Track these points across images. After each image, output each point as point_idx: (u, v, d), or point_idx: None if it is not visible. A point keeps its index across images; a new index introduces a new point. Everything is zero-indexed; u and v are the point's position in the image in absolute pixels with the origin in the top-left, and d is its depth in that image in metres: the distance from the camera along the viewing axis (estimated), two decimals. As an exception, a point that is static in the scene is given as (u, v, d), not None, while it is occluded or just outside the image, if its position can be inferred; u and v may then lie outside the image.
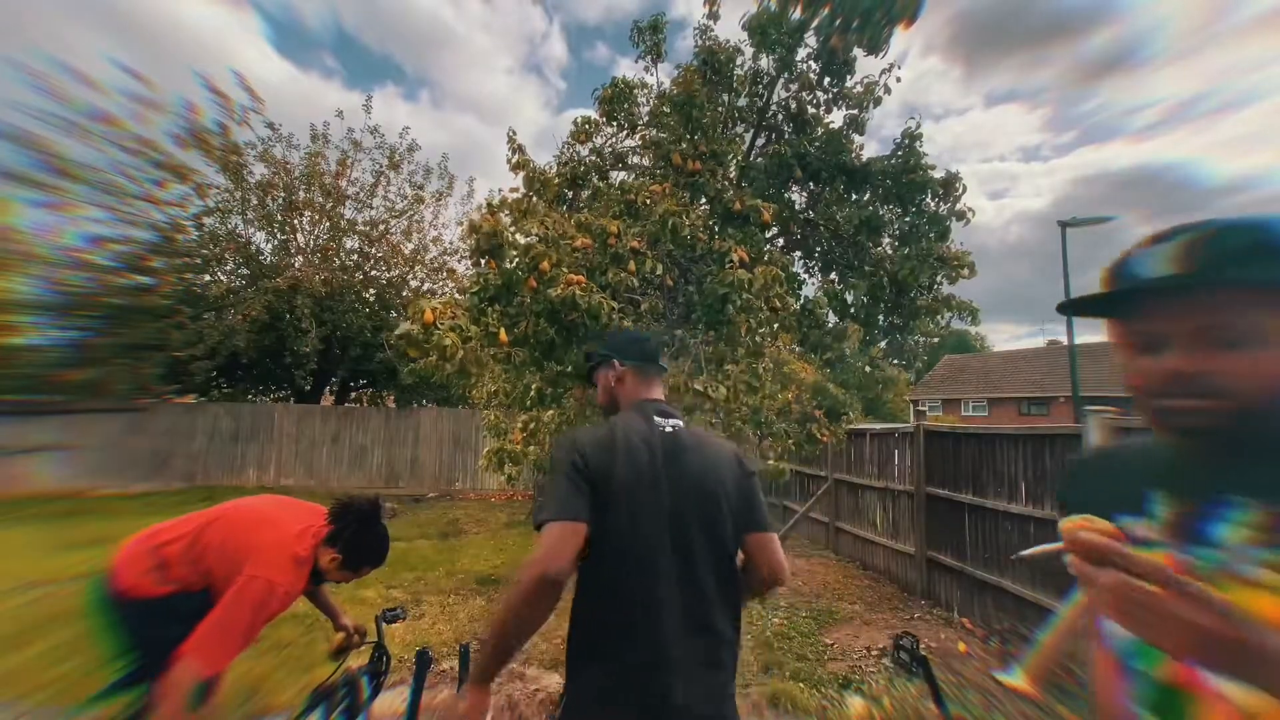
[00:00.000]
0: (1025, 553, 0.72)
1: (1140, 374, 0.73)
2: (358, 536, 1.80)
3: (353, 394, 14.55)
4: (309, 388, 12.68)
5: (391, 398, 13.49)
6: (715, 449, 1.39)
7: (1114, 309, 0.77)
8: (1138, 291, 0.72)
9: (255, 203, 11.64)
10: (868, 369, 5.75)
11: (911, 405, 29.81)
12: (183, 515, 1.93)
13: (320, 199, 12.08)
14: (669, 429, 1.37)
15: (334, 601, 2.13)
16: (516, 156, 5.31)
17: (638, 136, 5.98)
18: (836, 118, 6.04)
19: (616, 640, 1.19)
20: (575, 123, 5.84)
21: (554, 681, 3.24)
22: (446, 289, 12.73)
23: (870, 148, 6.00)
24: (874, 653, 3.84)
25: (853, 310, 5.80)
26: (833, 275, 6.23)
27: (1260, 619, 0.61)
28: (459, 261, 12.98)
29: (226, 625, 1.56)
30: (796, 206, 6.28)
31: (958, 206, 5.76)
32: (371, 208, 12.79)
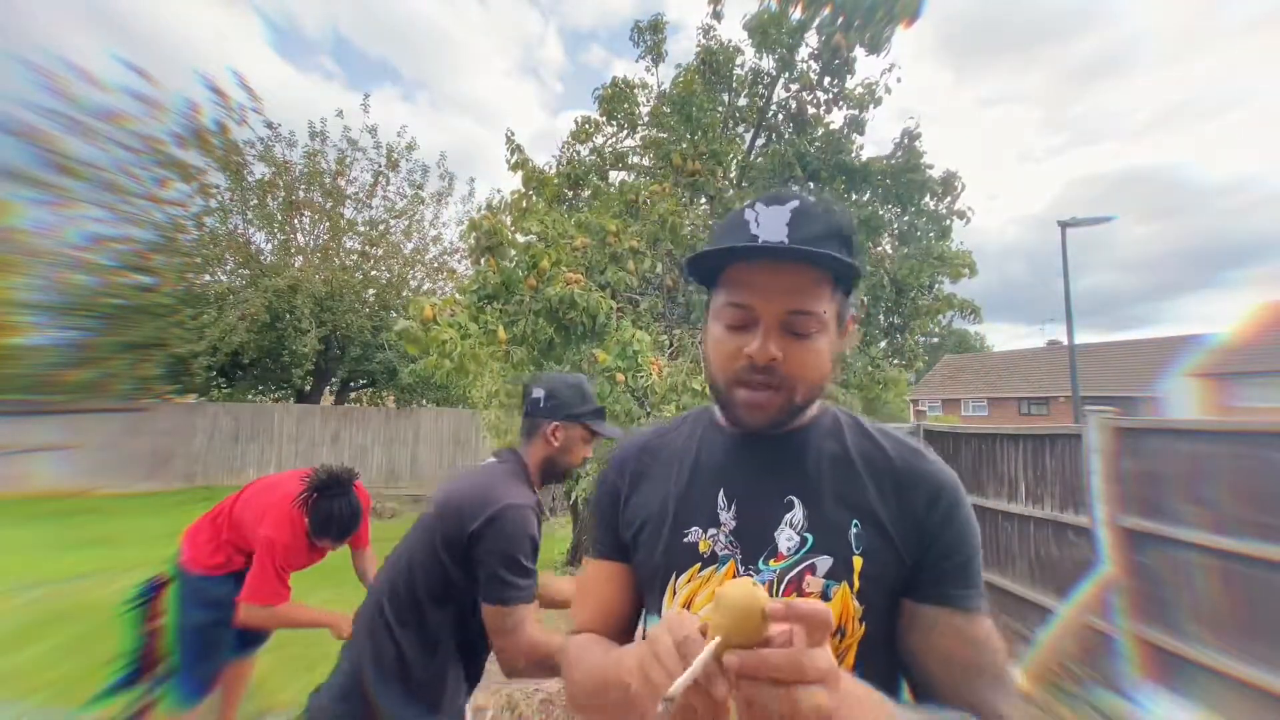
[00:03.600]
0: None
1: (726, 353, 0.66)
2: (315, 506, 1.88)
3: (352, 394, 14.55)
4: (309, 388, 12.67)
5: (391, 398, 13.49)
6: None
7: (729, 268, 0.67)
8: (761, 252, 0.63)
9: (255, 202, 11.64)
10: (870, 369, 5.75)
11: (911, 405, 29.84)
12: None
13: (320, 199, 12.08)
14: None
15: (373, 572, 2.21)
16: (515, 156, 5.31)
17: (638, 136, 5.99)
18: (836, 118, 6.04)
19: None
20: (576, 122, 5.85)
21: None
22: (446, 289, 12.73)
23: (865, 149, 5.98)
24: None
25: (853, 310, 5.81)
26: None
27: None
28: (459, 261, 12.98)
29: (259, 576, 1.84)
30: (796, 206, 6.27)
31: (957, 205, 5.76)
32: (371, 207, 12.79)
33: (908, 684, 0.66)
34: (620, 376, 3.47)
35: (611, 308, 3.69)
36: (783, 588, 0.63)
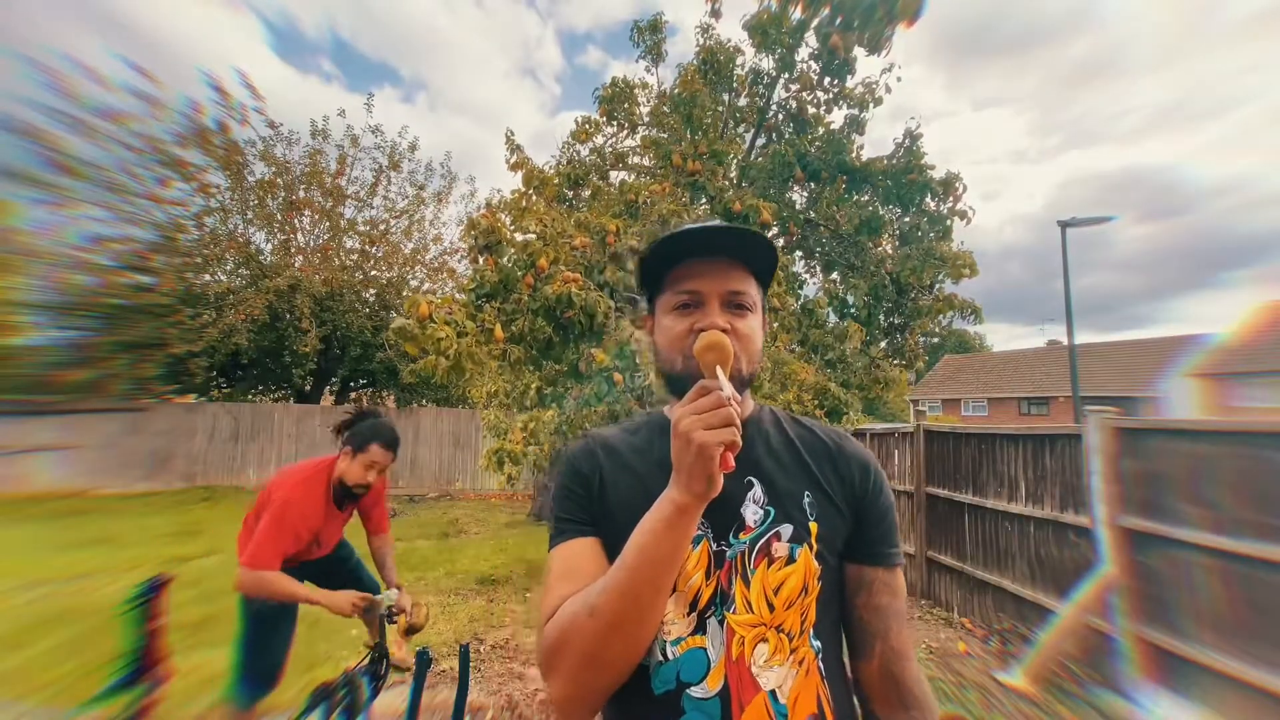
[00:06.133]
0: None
1: (678, 334, 0.75)
2: (357, 422, 2.07)
3: (353, 394, 14.54)
4: (309, 388, 12.67)
5: (391, 398, 13.48)
6: None
7: (682, 256, 0.77)
8: (707, 232, 0.74)
9: (255, 202, 11.64)
10: (870, 369, 5.74)
11: (911, 405, 29.83)
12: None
13: (320, 198, 12.07)
14: None
15: (391, 563, 2.30)
16: (515, 156, 5.31)
17: (638, 136, 5.99)
18: (837, 118, 6.04)
19: None
20: (576, 122, 5.85)
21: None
22: (446, 289, 12.72)
23: (864, 151, 5.97)
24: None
25: (853, 310, 5.80)
26: (833, 275, 6.22)
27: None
28: (459, 261, 12.98)
29: (254, 538, 1.91)
30: (796, 206, 6.27)
31: (958, 206, 5.75)
32: (372, 207, 12.79)
33: (846, 640, 0.77)
34: (619, 377, 3.47)
35: (610, 307, 3.68)
36: (754, 555, 0.71)
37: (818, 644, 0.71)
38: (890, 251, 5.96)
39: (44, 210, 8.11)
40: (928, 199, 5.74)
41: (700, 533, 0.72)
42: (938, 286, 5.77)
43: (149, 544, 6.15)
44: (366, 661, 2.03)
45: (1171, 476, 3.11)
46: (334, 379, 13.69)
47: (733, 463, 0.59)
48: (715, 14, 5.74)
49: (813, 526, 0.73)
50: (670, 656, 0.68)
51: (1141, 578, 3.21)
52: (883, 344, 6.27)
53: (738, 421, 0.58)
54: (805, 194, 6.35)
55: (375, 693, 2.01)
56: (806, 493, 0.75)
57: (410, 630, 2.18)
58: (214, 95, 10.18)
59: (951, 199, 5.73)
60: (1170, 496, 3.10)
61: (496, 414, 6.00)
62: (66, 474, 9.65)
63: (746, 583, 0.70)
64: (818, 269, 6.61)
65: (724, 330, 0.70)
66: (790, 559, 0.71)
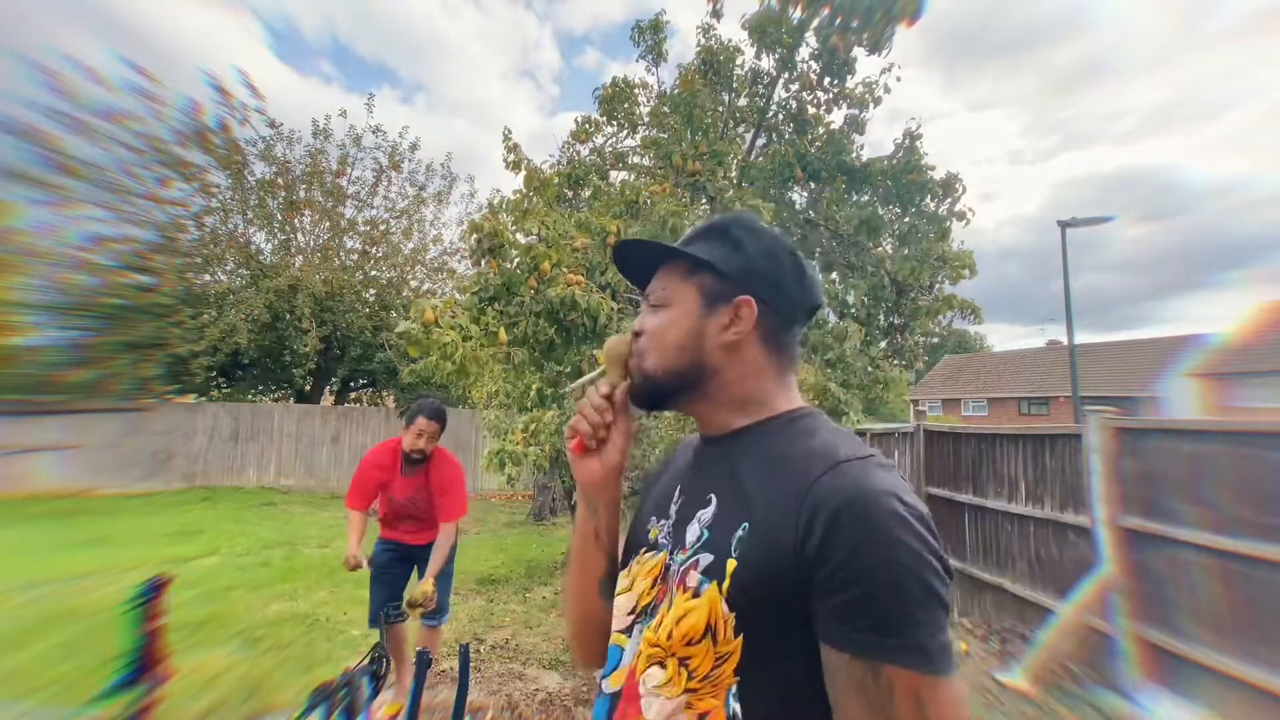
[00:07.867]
0: None
1: None
2: (410, 405, 2.72)
3: (353, 394, 14.55)
4: (309, 388, 12.68)
5: (391, 398, 13.49)
6: None
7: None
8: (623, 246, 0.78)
9: (256, 202, 11.65)
10: (870, 369, 5.74)
11: (911, 405, 29.83)
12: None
13: (321, 198, 12.09)
14: None
15: (440, 554, 2.67)
16: (513, 156, 5.31)
17: (638, 137, 5.99)
18: (837, 118, 6.04)
19: None
20: (576, 122, 5.85)
21: (553, 681, 3.24)
22: (446, 289, 12.74)
23: (863, 151, 5.96)
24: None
25: (853, 310, 5.80)
26: (833, 275, 6.23)
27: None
28: (459, 261, 13.00)
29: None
30: (797, 206, 6.28)
31: (957, 207, 5.75)
32: (372, 207, 12.81)
33: None
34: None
35: (613, 309, 3.68)
36: (676, 579, 0.65)
37: (735, 708, 0.57)
38: (889, 252, 5.96)
39: (44, 210, 8.12)
40: (927, 199, 5.75)
41: (665, 543, 0.70)
42: (937, 287, 5.78)
43: (149, 544, 6.15)
44: (366, 661, 2.03)
45: (1171, 476, 3.12)
46: (334, 379, 13.70)
47: (578, 448, 0.75)
48: (716, 15, 5.73)
49: (730, 564, 0.58)
50: (610, 642, 0.73)
51: (1141, 578, 3.21)
52: (882, 344, 6.27)
53: (582, 415, 0.73)
54: (805, 194, 6.35)
55: (375, 693, 2.01)
56: (745, 524, 0.60)
57: (409, 604, 2.38)
58: (215, 95, 10.20)
59: (950, 199, 5.73)
60: (1170, 496, 3.11)
61: (497, 414, 5.99)
62: (66, 474, 9.66)
63: (670, 604, 0.63)
64: (817, 269, 6.60)
65: (636, 334, 0.75)
66: (697, 593, 0.60)
